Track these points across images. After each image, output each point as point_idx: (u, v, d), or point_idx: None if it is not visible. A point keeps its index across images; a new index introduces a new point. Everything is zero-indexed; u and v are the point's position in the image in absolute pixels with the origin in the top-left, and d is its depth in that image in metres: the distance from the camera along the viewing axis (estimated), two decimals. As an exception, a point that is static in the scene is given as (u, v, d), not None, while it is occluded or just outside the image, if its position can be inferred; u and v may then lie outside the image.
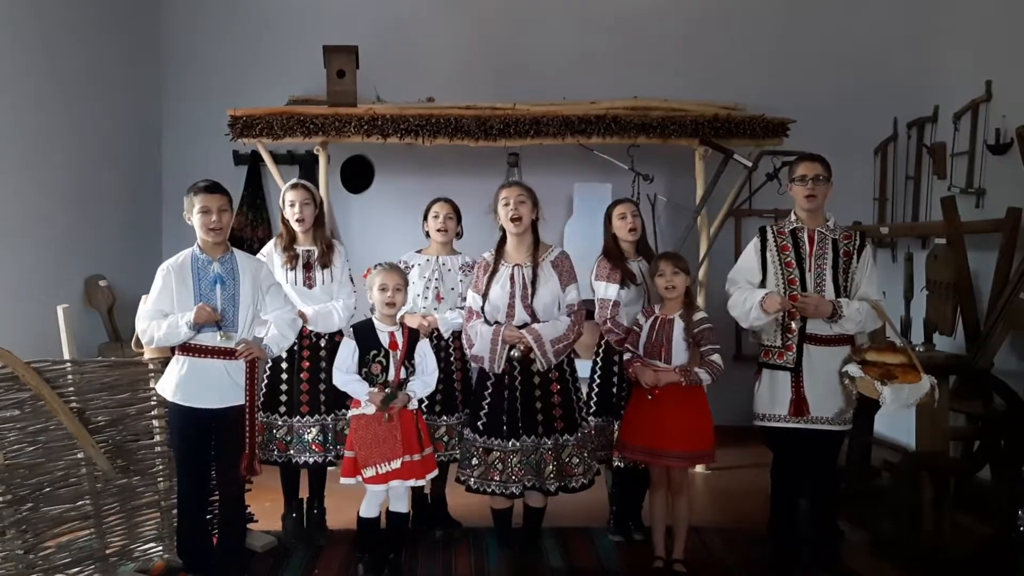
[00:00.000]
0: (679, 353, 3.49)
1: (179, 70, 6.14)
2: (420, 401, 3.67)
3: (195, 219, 3.22)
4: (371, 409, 3.29)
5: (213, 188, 3.23)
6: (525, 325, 3.49)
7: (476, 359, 3.55)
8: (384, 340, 3.37)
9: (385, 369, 3.34)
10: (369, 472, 3.27)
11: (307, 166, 5.91)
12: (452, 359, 3.85)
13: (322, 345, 3.75)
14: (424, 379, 3.40)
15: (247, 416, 3.24)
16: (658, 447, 3.46)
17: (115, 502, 3.47)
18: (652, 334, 3.55)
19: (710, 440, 3.52)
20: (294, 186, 3.82)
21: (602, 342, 3.90)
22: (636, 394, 3.59)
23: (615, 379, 3.86)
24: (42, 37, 4.72)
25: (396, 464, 3.26)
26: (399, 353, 3.35)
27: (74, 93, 5.04)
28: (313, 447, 3.71)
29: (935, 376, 3.47)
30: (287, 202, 3.79)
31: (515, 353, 3.46)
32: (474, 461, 3.47)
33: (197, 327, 3.13)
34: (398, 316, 3.76)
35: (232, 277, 3.25)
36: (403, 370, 3.35)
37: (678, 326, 3.51)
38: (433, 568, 3.65)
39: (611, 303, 3.74)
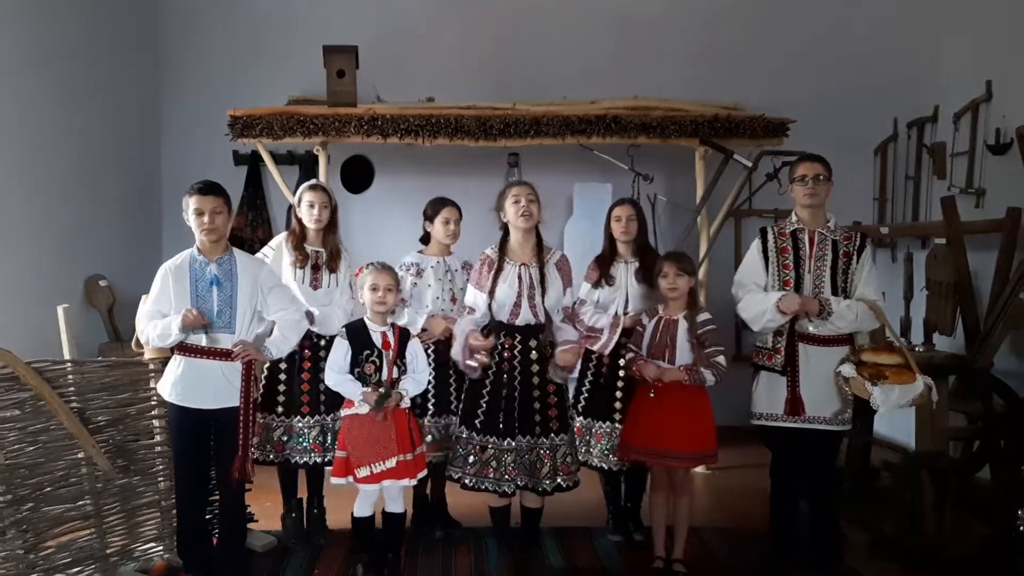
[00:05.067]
0: (683, 354, 3.49)
1: (179, 70, 6.14)
2: (419, 400, 3.67)
3: (191, 221, 3.23)
4: (364, 409, 3.28)
5: (207, 190, 3.21)
6: (528, 325, 3.50)
7: (454, 359, 3.56)
8: (377, 340, 3.37)
9: (378, 369, 3.34)
10: (363, 472, 3.27)
11: (307, 166, 5.91)
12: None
13: (322, 346, 3.74)
14: (416, 378, 3.40)
15: (241, 418, 3.24)
16: (661, 448, 3.46)
17: (115, 502, 3.47)
18: (656, 334, 3.55)
19: (712, 441, 3.52)
20: (313, 187, 3.82)
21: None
22: (638, 394, 3.59)
23: (588, 380, 3.92)
24: (42, 38, 4.72)
25: (391, 463, 3.26)
26: (391, 353, 3.36)
27: (74, 93, 5.04)
28: (313, 447, 3.71)
29: (935, 376, 3.47)
30: (305, 202, 3.77)
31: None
32: (471, 459, 3.48)
33: (185, 330, 3.14)
34: (420, 320, 3.77)
35: (229, 278, 3.25)
36: (395, 369, 3.35)
37: (682, 327, 3.52)
38: (433, 568, 3.65)
39: (576, 300, 3.78)
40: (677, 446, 3.45)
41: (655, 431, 3.46)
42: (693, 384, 3.43)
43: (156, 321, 3.18)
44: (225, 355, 3.21)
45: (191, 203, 3.20)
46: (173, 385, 3.21)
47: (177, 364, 3.23)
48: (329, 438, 3.72)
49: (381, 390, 3.28)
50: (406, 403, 3.34)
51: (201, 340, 3.19)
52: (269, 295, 3.34)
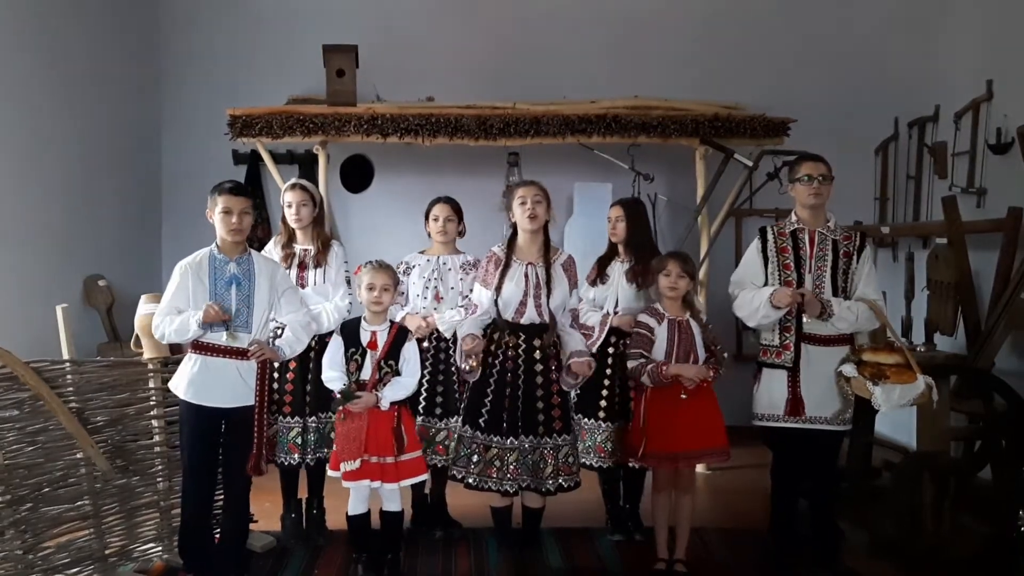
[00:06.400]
0: (703, 356, 3.52)
1: (178, 69, 6.13)
2: (413, 403, 3.65)
3: (216, 219, 3.23)
4: None
5: (237, 190, 3.24)
6: (533, 324, 3.49)
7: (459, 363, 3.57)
8: (364, 339, 3.36)
9: (360, 368, 3.33)
10: (341, 468, 3.28)
11: (307, 166, 5.90)
12: (452, 360, 3.84)
13: (311, 346, 3.69)
14: (400, 381, 3.36)
15: (256, 416, 3.24)
16: (690, 449, 3.45)
17: (114, 502, 3.47)
18: (675, 339, 3.52)
19: (726, 436, 3.54)
20: (292, 187, 3.83)
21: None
22: (657, 400, 3.49)
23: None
24: (42, 38, 4.71)
25: (356, 464, 3.25)
26: (377, 353, 3.34)
27: (74, 93, 5.03)
28: (289, 448, 3.70)
29: (936, 376, 3.45)
30: (285, 203, 3.81)
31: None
32: (475, 458, 3.47)
33: (205, 326, 3.14)
34: (398, 317, 3.76)
35: (248, 278, 3.26)
36: (379, 371, 3.33)
37: (696, 328, 3.53)
38: (433, 568, 3.64)
39: (578, 301, 3.79)
40: (706, 443, 3.47)
41: (686, 433, 3.43)
42: (712, 380, 3.47)
43: (173, 317, 3.17)
44: (241, 354, 3.20)
45: (219, 202, 3.20)
46: (189, 383, 3.20)
47: (193, 363, 3.21)
48: (310, 440, 3.71)
49: (342, 390, 3.27)
50: (384, 406, 3.30)
51: (221, 338, 3.17)
52: (282, 297, 3.35)
